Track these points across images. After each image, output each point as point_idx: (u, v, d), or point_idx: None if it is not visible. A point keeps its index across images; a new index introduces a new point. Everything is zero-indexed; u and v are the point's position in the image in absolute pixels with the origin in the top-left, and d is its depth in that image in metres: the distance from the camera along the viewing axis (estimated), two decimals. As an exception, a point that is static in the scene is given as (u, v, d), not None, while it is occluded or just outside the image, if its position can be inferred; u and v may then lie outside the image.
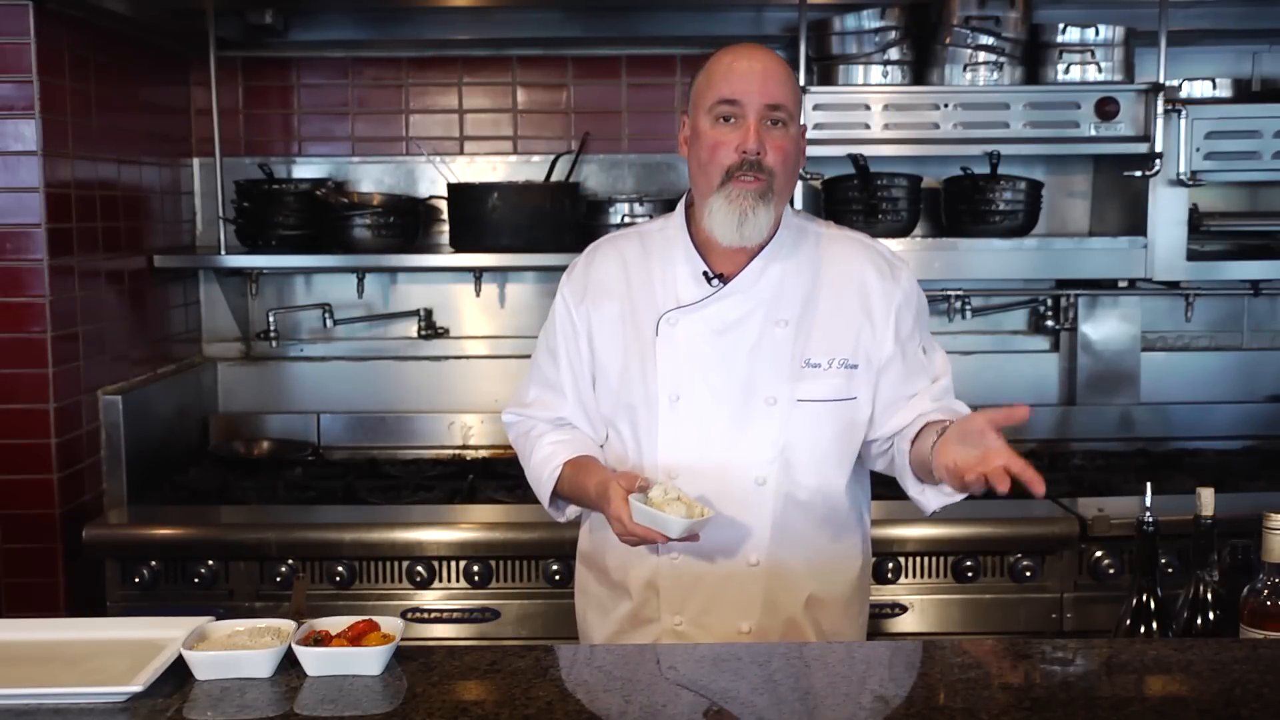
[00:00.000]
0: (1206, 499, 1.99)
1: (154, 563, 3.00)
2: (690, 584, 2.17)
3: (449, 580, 3.01)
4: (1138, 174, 3.38)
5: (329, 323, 3.79)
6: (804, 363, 2.15)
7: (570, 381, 2.27)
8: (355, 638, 1.78)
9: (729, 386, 2.15)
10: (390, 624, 1.83)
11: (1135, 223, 3.46)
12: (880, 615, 2.99)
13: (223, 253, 3.65)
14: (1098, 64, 3.46)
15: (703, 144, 2.11)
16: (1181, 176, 3.38)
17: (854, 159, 3.35)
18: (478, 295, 3.87)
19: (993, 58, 3.40)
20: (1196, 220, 3.48)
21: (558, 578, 2.98)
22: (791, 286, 2.17)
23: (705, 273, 2.17)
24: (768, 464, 2.14)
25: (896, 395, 2.18)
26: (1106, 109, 3.33)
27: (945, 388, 2.22)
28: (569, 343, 2.26)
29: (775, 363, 2.15)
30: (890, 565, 3.00)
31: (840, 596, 2.23)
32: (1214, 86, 3.79)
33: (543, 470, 2.22)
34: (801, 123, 2.17)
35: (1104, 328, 3.84)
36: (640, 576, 2.21)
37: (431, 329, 3.87)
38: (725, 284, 2.16)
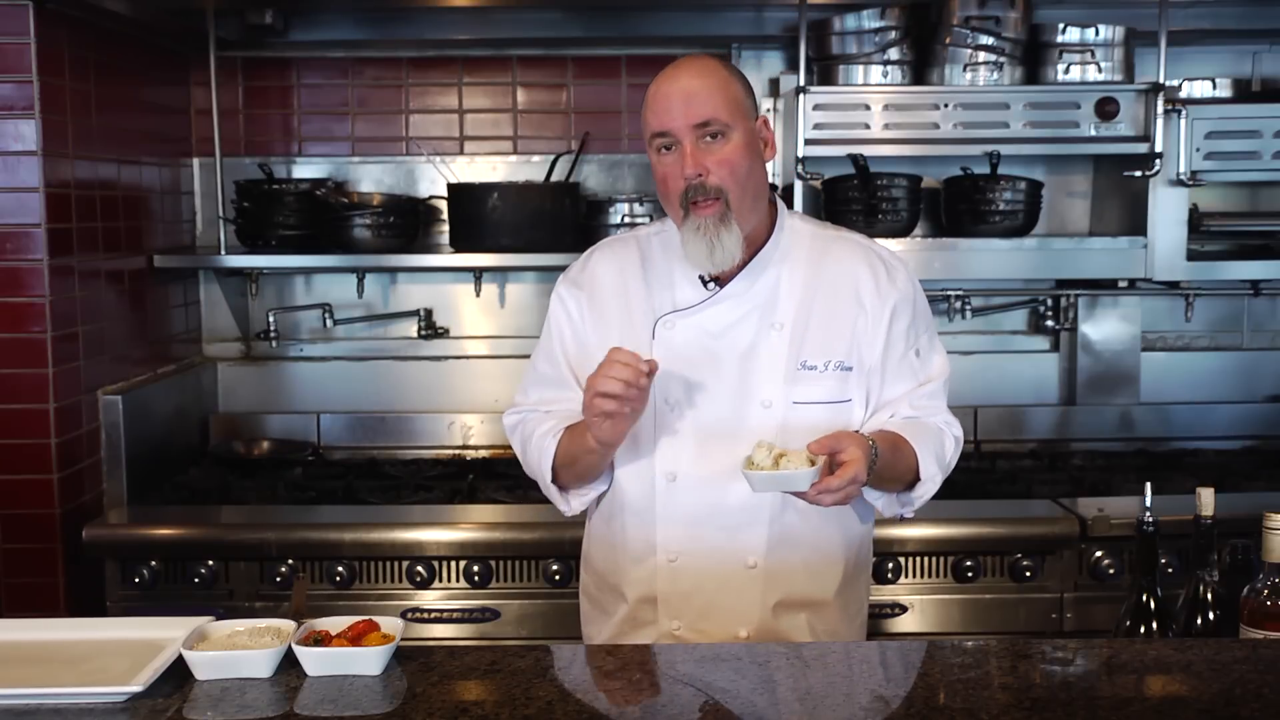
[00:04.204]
0: (1206, 499, 1.99)
1: (154, 563, 3.00)
2: (688, 589, 2.17)
3: (449, 580, 3.01)
4: (1138, 174, 3.38)
5: (329, 323, 3.78)
6: (800, 365, 2.15)
7: (572, 375, 2.24)
8: (355, 638, 1.78)
9: (725, 389, 2.15)
10: (390, 624, 1.83)
11: (1135, 223, 3.46)
12: (880, 615, 2.99)
13: (223, 253, 3.65)
14: (1098, 64, 3.45)
15: (656, 177, 2.13)
16: (1181, 176, 3.37)
17: (854, 159, 3.35)
18: (478, 295, 3.87)
19: (993, 58, 3.40)
20: (1196, 220, 3.47)
21: (558, 578, 2.99)
22: (787, 289, 2.17)
23: (701, 276, 2.17)
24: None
25: (882, 397, 2.19)
26: (1106, 109, 3.33)
27: (932, 392, 2.22)
28: (566, 339, 2.26)
29: (771, 366, 2.15)
30: (890, 565, 3.00)
31: (840, 599, 2.22)
32: (1214, 86, 3.78)
33: (541, 444, 2.17)
34: (763, 112, 2.14)
35: (1104, 328, 3.84)
36: (637, 581, 2.20)
37: (431, 329, 3.87)
38: (721, 287, 2.17)
